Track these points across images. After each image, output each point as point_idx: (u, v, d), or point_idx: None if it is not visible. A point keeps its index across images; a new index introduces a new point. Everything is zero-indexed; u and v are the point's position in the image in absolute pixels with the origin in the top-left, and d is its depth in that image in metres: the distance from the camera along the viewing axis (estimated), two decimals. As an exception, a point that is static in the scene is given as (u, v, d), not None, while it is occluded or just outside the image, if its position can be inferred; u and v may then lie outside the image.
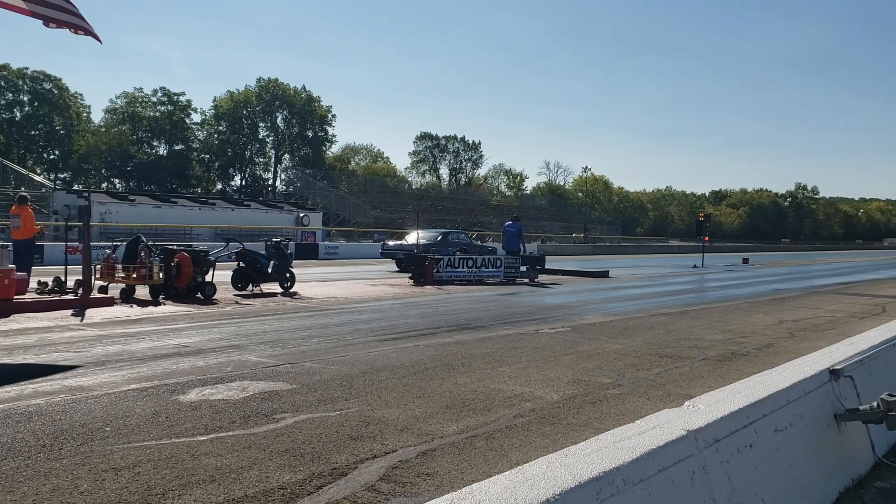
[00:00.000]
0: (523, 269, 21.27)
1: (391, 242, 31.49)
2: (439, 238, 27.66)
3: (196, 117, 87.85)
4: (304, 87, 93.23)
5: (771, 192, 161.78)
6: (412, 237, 28.24)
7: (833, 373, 4.50)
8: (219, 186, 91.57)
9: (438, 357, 8.21)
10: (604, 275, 25.14)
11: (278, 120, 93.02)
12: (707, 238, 38.43)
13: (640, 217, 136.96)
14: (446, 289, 18.15)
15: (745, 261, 41.61)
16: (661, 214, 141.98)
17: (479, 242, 35.64)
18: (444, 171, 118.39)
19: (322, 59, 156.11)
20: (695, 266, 34.03)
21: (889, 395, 4.17)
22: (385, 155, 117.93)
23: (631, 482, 2.46)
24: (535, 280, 21.14)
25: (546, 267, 22.99)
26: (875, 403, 4.22)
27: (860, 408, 4.34)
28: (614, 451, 2.60)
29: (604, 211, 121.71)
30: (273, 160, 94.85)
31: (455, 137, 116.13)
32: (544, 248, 49.21)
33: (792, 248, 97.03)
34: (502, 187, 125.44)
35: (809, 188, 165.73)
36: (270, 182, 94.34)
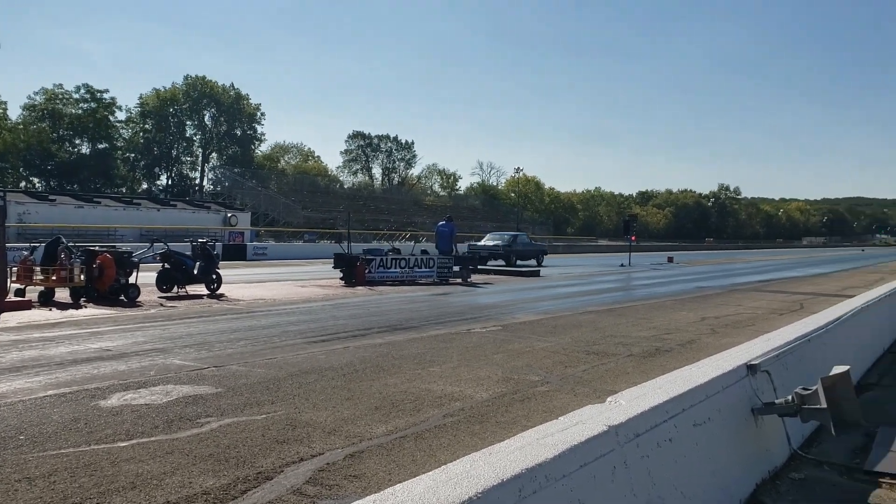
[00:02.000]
0: (456, 268, 21.36)
1: (480, 242, 34.67)
2: (508, 239, 33.47)
3: (121, 115, 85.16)
4: (232, 85, 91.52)
5: (695, 192, 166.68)
6: (485, 240, 34.38)
7: (750, 368, 4.65)
8: (144, 186, 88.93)
9: (368, 359, 8.17)
10: (535, 274, 25.48)
11: (206, 118, 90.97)
12: (634, 238, 39.43)
13: (571, 217, 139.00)
14: (378, 289, 18.08)
15: (670, 259, 42.77)
16: (591, 214, 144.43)
17: (543, 245, 40.85)
18: (376, 171, 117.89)
19: (251, 56, 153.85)
20: (622, 265, 34.77)
21: (803, 388, 4.33)
22: (316, 154, 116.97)
23: (553, 478, 2.49)
24: (468, 280, 21.26)
25: (479, 266, 23.14)
26: (790, 397, 4.38)
27: (776, 401, 4.49)
28: (537, 448, 2.62)
29: (536, 211, 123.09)
30: (200, 159, 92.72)
31: (388, 137, 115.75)
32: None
33: (715, 247, 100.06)
34: (436, 187, 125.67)
35: (732, 189, 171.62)
36: (198, 181, 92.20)
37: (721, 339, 10.20)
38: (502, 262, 31.38)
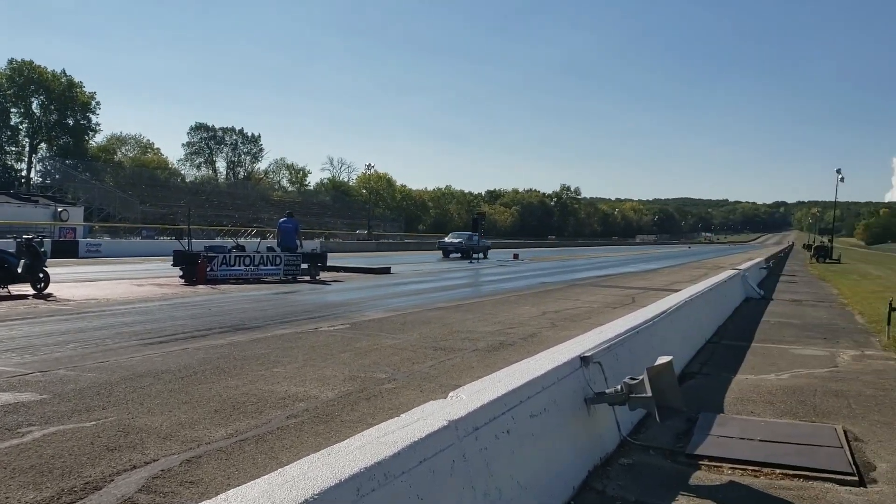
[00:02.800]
0: (304, 266, 21.02)
1: (445, 239, 44.36)
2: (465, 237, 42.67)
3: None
4: (63, 72, 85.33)
5: (539, 192, 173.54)
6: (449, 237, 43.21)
7: (583, 360, 4.89)
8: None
9: (208, 360, 7.87)
10: (386, 271, 25.52)
11: (34, 106, 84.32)
12: (482, 235, 40.53)
13: (423, 214, 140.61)
14: (221, 288, 17.46)
15: (516, 256, 44.31)
16: (442, 212, 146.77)
17: (488, 242, 47.43)
18: (221, 165, 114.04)
19: (85, 42, 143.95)
20: (471, 262, 35.58)
21: (631, 378, 4.60)
22: (156, 146, 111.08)
23: (392, 475, 2.51)
24: (317, 278, 20.98)
25: (328, 264, 22.89)
26: (619, 387, 4.64)
27: (607, 391, 4.74)
28: (377, 446, 2.63)
29: (387, 208, 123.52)
30: (27, 149, 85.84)
31: (233, 129, 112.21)
32: (328, 245, 48.95)
33: (557, 245, 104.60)
34: (284, 182, 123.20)
35: (573, 189, 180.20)
36: (24, 173, 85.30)
37: (560, 333, 10.66)
38: (463, 255, 41.46)
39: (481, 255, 41.56)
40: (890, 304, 11.06)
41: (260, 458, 4.58)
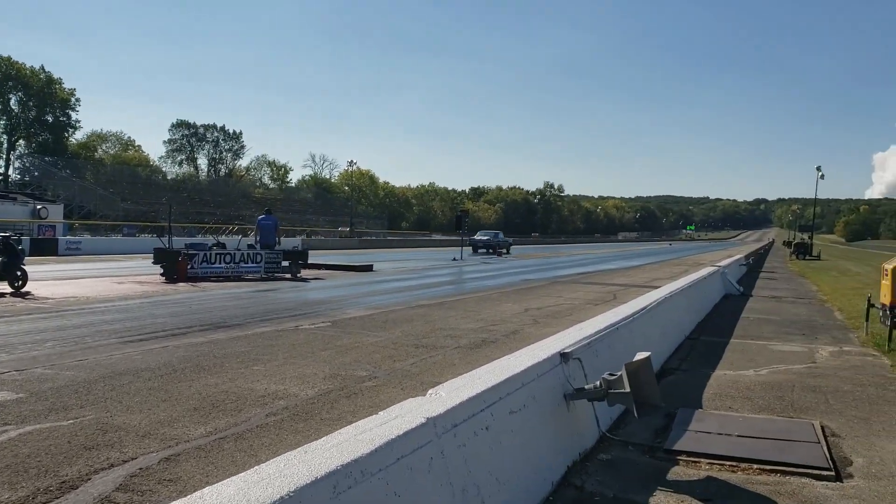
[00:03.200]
0: (285, 263, 20.93)
1: (475, 237, 51.47)
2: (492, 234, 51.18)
3: None
4: (42, 68, 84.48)
5: (523, 189, 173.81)
6: (478, 235, 51.23)
7: (563, 356, 4.91)
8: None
9: (188, 358, 7.82)
10: (368, 269, 25.47)
11: (12, 102, 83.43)
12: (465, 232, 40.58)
13: (406, 212, 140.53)
14: (201, 286, 17.35)
15: (499, 254, 44.34)
16: (425, 209, 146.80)
17: (510, 240, 55.59)
18: (202, 162, 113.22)
19: (65, 39, 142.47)
20: (454, 259, 35.60)
21: (609, 374, 4.62)
22: (137, 143, 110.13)
23: (369, 473, 2.50)
24: (298, 275, 20.91)
25: (309, 262, 22.81)
26: (598, 382, 4.66)
27: (586, 387, 4.76)
28: (354, 443, 2.63)
29: (370, 205, 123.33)
30: (6, 146, 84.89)
31: (214, 126, 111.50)
32: (309, 242, 48.75)
33: (540, 242, 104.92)
34: (265, 179, 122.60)
35: (556, 186, 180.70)
36: (2, 171, 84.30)
37: (542, 329, 10.69)
38: (491, 251, 47.80)
39: (504, 250, 48.21)
40: (868, 301, 11.18)
41: (239, 457, 4.56)
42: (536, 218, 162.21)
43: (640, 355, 4.57)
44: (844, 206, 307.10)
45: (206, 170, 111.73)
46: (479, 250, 48.63)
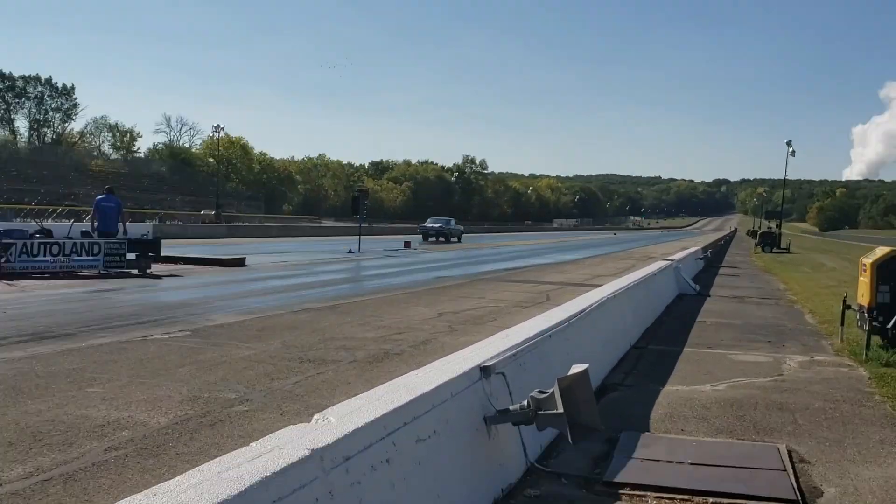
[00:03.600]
0: (131, 256, 20.44)
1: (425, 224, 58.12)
2: (444, 222, 56.89)
3: None
4: None
5: (437, 165, 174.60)
6: (428, 222, 55.75)
7: (484, 370, 4.97)
8: None
9: (2, 378, 7.56)
10: (240, 263, 25.13)
11: None
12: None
13: (288, 191, 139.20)
14: (20, 284, 16.76)
15: (408, 245, 44.45)
16: (314, 188, 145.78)
17: (461, 227, 61.96)
18: (21, 124, 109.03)
19: None
20: (350, 251, 35.48)
21: (540, 391, 4.69)
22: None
23: (237, 520, 2.48)
24: (148, 271, 20.44)
25: (163, 254, 22.32)
26: (525, 402, 4.73)
27: (511, 408, 4.83)
28: (218, 483, 2.59)
29: (243, 182, 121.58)
30: None
31: (38, 79, 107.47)
32: (163, 229, 47.62)
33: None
34: (106, 148, 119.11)
35: (478, 162, 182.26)
36: None
37: (459, 338, 10.80)
38: (443, 239, 54.97)
39: (456, 238, 54.94)
40: (844, 302, 11.70)
41: (69, 502, 4.43)
42: (454, 200, 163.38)
43: (576, 368, 4.66)
44: (819, 189, 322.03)
45: (26, 135, 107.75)
46: (430, 238, 55.23)
